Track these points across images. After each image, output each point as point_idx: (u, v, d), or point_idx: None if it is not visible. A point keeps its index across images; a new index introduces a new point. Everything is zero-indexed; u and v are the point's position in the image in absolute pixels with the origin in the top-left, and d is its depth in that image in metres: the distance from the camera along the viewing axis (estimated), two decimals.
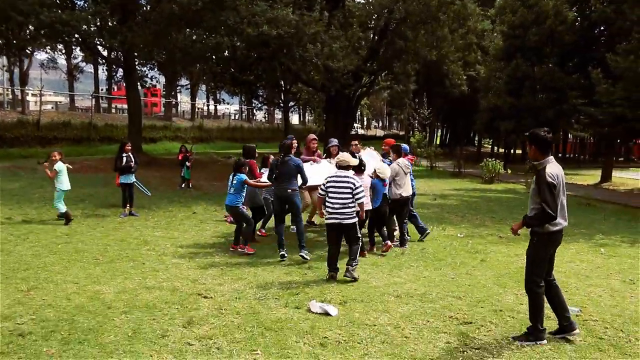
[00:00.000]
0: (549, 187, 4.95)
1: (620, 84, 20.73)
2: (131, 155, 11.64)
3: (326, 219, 7.38)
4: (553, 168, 5.05)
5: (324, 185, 7.45)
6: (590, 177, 27.60)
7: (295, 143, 9.43)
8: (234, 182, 8.70)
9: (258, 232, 9.83)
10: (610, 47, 23.62)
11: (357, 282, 7.07)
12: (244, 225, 8.78)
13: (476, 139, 54.82)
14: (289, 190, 8.24)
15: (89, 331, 5.09)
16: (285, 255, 8.18)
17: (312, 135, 11.16)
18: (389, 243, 9.04)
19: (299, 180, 8.53)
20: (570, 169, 35.57)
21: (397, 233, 9.60)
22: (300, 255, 8.09)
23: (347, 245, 7.46)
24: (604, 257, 9.27)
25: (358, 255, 7.42)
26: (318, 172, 9.48)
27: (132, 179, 11.69)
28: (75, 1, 22.02)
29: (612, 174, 25.76)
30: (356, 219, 7.38)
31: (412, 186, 9.83)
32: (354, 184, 7.22)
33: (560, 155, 49.72)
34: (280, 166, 8.27)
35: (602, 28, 29.09)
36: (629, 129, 22.12)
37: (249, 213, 9.46)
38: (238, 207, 8.77)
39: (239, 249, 8.61)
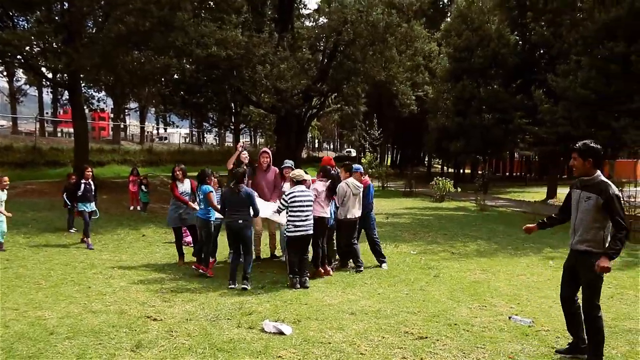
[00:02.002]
0: (619, 200, 4.75)
1: (561, 103, 21.54)
2: (91, 183, 11.17)
3: (292, 232, 7.81)
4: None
5: (285, 200, 7.85)
6: (537, 194, 28.41)
7: (245, 152, 9.58)
8: (199, 194, 8.49)
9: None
10: (550, 68, 24.59)
11: (311, 300, 6.99)
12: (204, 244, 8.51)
13: (426, 159, 55.90)
14: (240, 222, 7.88)
15: (28, 359, 4.80)
16: (234, 286, 7.72)
17: (264, 149, 10.56)
18: (323, 269, 8.64)
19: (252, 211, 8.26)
20: (518, 186, 36.59)
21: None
22: (243, 287, 7.66)
23: (300, 257, 7.89)
24: (553, 269, 9.46)
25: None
26: (267, 206, 9.10)
27: (92, 207, 11.14)
28: (17, 21, 21.44)
29: (557, 191, 26.60)
30: None
31: (369, 210, 9.44)
32: (312, 198, 8.00)
33: (507, 173, 51.13)
34: (230, 196, 7.93)
35: (542, 51, 30.27)
36: (570, 147, 22.89)
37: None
38: (210, 221, 8.52)
39: (201, 270, 8.34)
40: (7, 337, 5.36)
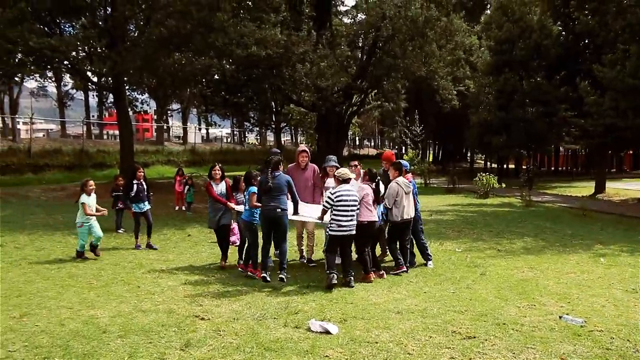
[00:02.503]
0: None
1: (608, 94, 20.92)
2: (143, 183, 10.99)
3: (335, 231, 7.67)
4: None
5: (331, 199, 7.69)
6: (584, 189, 27.67)
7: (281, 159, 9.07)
8: (246, 195, 8.38)
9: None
10: (596, 58, 23.88)
11: (357, 299, 6.98)
12: (250, 246, 8.38)
13: (468, 154, 55.09)
14: (278, 210, 7.86)
15: (83, 356, 4.94)
16: (268, 279, 7.89)
17: (302, 147, 10.14)
18: (375, 274, 8.24)
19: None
20: (564, 181, 35.74)
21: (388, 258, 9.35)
22: (279, 278, 7.84)
23: (341, 257, 7.91)
24: (605, 266, 9.21)
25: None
26: (311, 209, 8.87)
27: (146, 206, 10.96)
28: (63, 27, 22.07)
29: (605, 185, 25.84)
30: None
31: (417, 208, 9.14)
32: (357, 198, 7.81)
33: (552, 168, 49.96)
34: (268, 184, 7.84)
35: (586, 40, 29.43)
36: (618, 139, 22.28)
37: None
38: (253, 223, 8.35)
39: (249, 272, 8.26)
40: (63, 335, 5.52)
